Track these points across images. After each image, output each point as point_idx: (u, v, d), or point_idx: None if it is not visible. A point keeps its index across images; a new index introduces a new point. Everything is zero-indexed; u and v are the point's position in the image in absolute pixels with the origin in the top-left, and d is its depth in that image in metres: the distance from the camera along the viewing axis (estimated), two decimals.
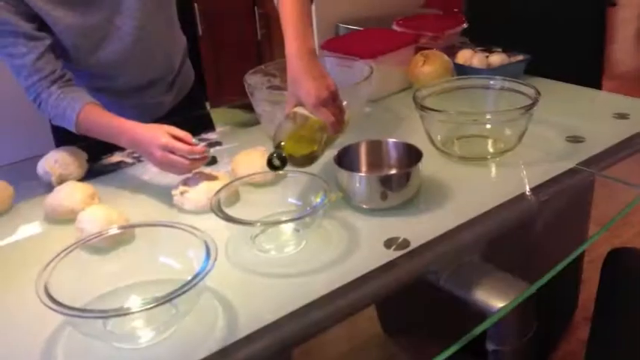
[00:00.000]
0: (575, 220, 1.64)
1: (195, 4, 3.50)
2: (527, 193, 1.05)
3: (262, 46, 3.49)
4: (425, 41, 1.56)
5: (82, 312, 0.70)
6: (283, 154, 0.93)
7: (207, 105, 1.63)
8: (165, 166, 1.06)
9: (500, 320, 0.91)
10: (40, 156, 1.19)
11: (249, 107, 1.33)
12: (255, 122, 1.35)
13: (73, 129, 1.13)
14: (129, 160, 1.27)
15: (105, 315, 0.74)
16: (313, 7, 2.74)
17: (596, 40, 1.70)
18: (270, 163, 0.93)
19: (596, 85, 1.65)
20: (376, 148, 1.07)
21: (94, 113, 1.12)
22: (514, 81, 1.19)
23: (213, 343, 0.75)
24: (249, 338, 0.77)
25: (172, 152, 1.03)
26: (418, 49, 1.51)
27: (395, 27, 1.62)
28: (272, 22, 3.38)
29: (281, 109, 1.23)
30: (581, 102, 1.41)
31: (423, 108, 1.13)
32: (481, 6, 1.75)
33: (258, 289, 0.86)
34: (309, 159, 0.98)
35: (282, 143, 0.95)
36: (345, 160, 1.03)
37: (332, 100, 0.98)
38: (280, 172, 0.96)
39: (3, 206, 1.06)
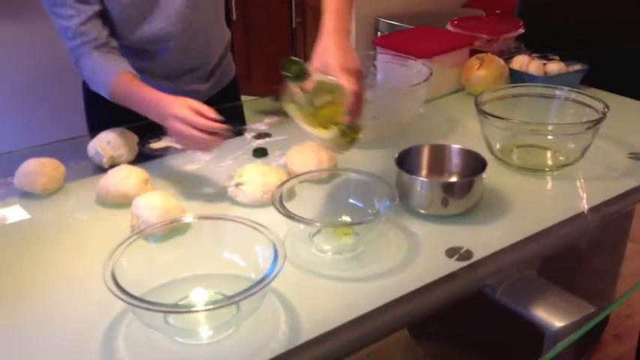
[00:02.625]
0: (617, 238, 1.61)
1: None
2: (589, 210, 1.02)
3: (296, 35, 3.46)
4: (479, 44, 1.53)
5: (149, 304, 0.68)
6: (303, 66, 0.90)
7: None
8: (182, 138, 1.02)
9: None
10: (84, 135, 1.17)
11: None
12: None
13: (107, 95, 1.13)
14: (177, 145, 1.25)
15: (170, 310, 0.72)
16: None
17: None
18: (286, 67, 0.90)
19: None
20: (439, 153, 1.04)
21: (126, 81, 1.12)
22: (581, 92, 1.16)
23: (276, 344, 0.74)
24: (309, 343, 0.75)
25: (193, 126, 0.99)
26: (472, 52, 1.48)
27: (449, 27, 1.58)
28: (307, 10, 3.34)
29: None
30: None
31: (484, 114, 1.10)
32: (535, 10, 1.71)
33: (318, 292, 0.84)
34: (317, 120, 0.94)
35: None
36: (406, 161, 1.00)
37: (357, 77, 0.92)
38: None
39: (55, 185, 1.05)
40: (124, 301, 0.68)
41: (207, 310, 0.71)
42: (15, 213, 1.01)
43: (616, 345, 1.90)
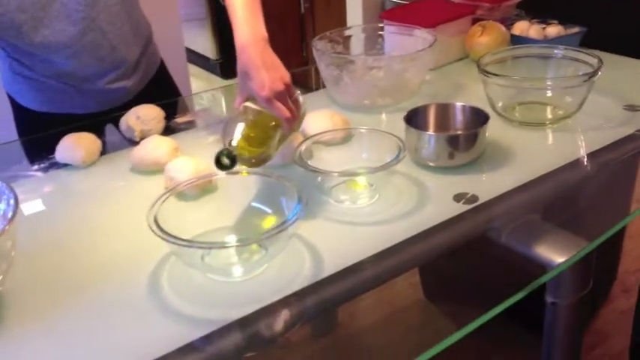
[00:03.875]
0: (619, 194, 1.67)
1: None
2: (586, 156, 1.10)
3: (305, 20, 3.54)
4: (481, 12, 1.59)
5: (189, 242, 0.77)
6: (233, 153, 0.86)
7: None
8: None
9: (561, 275, 0.96)
10: (117, 114, 1.26)
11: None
12: (316, 87, 1.41)
13: None
14: (200, 119, 1.35)
15: (205, 246, 0.81)
16: None
17: None
18: (218, 162, 0.86)
19: None
20: (444, 111, 1.12)
21: None
22: (577, 50, 1.23)
23: (302, 279, 0.82)
24: (331, 278, 0.84)
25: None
26: (475, 21, 1.55)
27: None
28: None
29: (347, 73, 1.30)
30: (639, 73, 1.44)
31: (485, 73, 1.18)
32: None
33: (337, 236, 0.92)
34: (261, 160, 0.93)
35: (233, 143, 0.88)
36: (414, 120, 1.08)
37: (287, 94, 0.92)
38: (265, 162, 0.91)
39: (92, 158, 1.14)
40: (168, 241, 0.77)
41: (237, 245, 0.80)
42: (58, 182, 1.11)
43: (624, 299, 1.97)
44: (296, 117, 0.93)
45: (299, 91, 1.00)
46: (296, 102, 0.94)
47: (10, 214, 0.74)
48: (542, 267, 0.95)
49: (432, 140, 1.05)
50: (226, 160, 0.86)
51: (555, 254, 0.95)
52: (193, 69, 3.96)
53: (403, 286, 2.04)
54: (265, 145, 0.92)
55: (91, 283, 0.84)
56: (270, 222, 0.89)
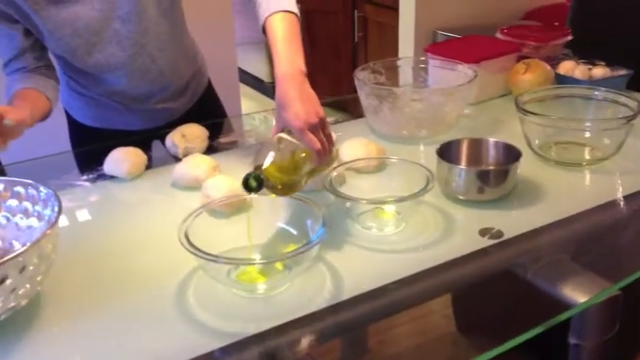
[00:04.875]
0: None
1: (298, 5, 3.65)
2: (620, 200, 1.09)
3: (358, 48, 3.60)
4: (528, 50, 1.61)
5: (216, 257, 0.81)
6: (261, 176, 0.88)
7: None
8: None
9: (585, 315, 0.96)
10: (163, 130, 1.33)
11: (335, 105, 1.36)
12: (359, 115, 1.45)
13: None
14: (244, 140, 1.40)
15: (231, 262, 0.85)
16: (412, 14, 2.82)
17: None
18: (245, 184, 0.89)
19: None
20: (477, 146, 1.14)
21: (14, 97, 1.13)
22: (617, 92, 1.23)
23: (322, 300, 0.85)
24: (352, 301, 0.86)
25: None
26: (520, 58, 1.56)
27: (499, 35, 1.67)
28: (369, 25, 3.48)
29: (387, 103, 1.33)
30: None
31: (523, 111, 1.19)
32: (586, 20, 1.77)
33: (361, 261, 0.95)
34: (288, 188, 0.93)
35: (263, 167, 0.90)
36: (446, 153, 1.10)
37: (321, 128, 0.93)
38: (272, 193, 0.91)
39: (137, 171, 1.21)
40: (196, 255, 0.81)
41: (262, 263, 0.84)
42: (104, 192, 1.18)
43: None
44: (327, 150, 0.95)
45: (334, 133, 1.01)
46: (329, 137, 0.96)
47: (52, 220, 0.80)
48: (566, 306, 0.95)
49: (463, 174, 1.07)
50: (253, 183, 0.88)
51: (578, 293, 0.95)
52: (247, 90, 4.07)
53: (436, 317, 2.03)
54: (294, 174, 0.94)
55: (123, 290, 0.89)
56: (295, 243, 0.92)
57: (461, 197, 1.07)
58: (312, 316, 0.83)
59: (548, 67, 1.51)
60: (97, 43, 1.19)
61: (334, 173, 1.05)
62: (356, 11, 3.53)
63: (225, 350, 0.78)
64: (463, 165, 1.13)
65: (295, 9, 1.08)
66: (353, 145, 1.22)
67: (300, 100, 0.93)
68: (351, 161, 1.13)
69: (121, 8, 1.18)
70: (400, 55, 2.98)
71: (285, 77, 0.96)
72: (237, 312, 0.84)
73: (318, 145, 0.92)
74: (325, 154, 0.94)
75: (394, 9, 3.09)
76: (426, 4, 2.77)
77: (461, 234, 1.00)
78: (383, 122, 1.35)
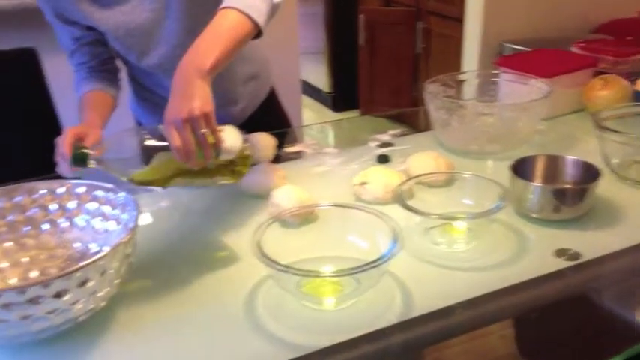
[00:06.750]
0: None
1: (362, 15, 3.66)
2: None
3: (420, 60, 3.57)
4: (604, 65, 1.55)
5: (286, 267, 0.81)
6: (86, 153, 0.94)
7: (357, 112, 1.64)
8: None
9: None
10: None
11: (395, 118, 1.37)
12: (427, 128, 1.43)
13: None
14: (309, 150, 1.40)
15: (300, 273, 0.84)
16: (479, 25, 2.78)
17: None
18: (74, 159, 0.94)
19: None
20: (553, 163, 1.10)
21: (82, 103, 1.20)
22: None
23: (392, 316, 0.84)
24: (421, 318, 0.84)
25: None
26: (597, 73, 1.51)
27: (574, 49, 1.62)
28: (432, 37, 3.45)
29: (457, 117, 1.31)
30: None
31: (602, 129, 1.15)
32: None
33: (430, 277, 0.93)
34: (163, 182, 0.95)
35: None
36: (520, 170, 1.07)
37: (191, 126, 0.89)
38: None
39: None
40: (267, 264, 0.81)
41: (331, 276, 0.83)
42: (174, 198, 1.20)
43: None
44: (190, 150, 0.89)
45: (245, 134, 0.99)
46: (201, 139, 0.90)
47: (131, 225, 0.82)
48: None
49: (538, 192, 1.03)
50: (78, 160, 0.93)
51: None
52: (306, 99, 4.10)
53: (494, 337, 1.97)
54: (167, 170, 0.94)
55: (194, 296, 0.90)
56: (365, 256, 0.91)
57: (534, 216, 1.04)
58: (381, 331, 0.82)
59: (626, 83, 1.45)
60: (150, 42, 1.22)
61: (405, 187, 1.03)
62: (419, 22, 3.50)
63: None
64: (538, 182, 1.09)
65: (251, 11, 1.01)
66: (422, 158, 1.20)
67: (180, 94, 0.91)
68: (420, 175, 1.11)
69: (170, 5, 1.19)
70: (464, 67, 2.94)
71: (180, 69, 0.94)
72: (306, 323, 0.84)
73: (176, 142, 0.88)
74: (188, 154, 0.89)
75: (459, 20, 3.05)
76: (493, 16, 2.73)
77: (535, 254, 0.97)
78: (452, 136, 1.33)
